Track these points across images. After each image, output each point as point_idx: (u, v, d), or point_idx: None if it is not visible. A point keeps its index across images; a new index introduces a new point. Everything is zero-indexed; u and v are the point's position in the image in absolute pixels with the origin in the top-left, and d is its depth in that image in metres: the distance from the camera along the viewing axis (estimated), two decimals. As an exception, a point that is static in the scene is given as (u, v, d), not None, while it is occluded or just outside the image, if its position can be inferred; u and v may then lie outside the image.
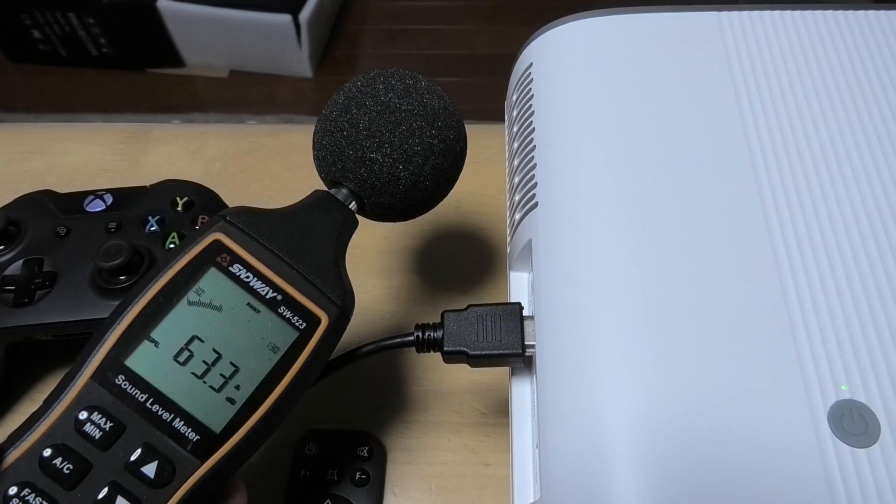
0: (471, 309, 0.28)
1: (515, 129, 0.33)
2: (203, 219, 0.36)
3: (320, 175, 0.29)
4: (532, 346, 0.27)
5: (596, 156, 0.29)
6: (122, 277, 0.34)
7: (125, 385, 0.23)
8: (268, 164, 0.45)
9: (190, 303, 0.24)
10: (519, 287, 0.31)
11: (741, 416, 0.23)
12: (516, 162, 0.32)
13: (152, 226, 0.36)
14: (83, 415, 0.23)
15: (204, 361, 0.24)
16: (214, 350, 0.24)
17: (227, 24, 1.44)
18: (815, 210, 0.26)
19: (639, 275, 0.25)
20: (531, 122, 0.32)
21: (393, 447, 0.35)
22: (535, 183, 0.30)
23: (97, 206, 0.37)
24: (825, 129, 0.29)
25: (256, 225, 0.25)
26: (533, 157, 0.30)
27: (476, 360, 0.27)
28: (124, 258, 0.33)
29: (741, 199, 0.27)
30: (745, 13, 0.32)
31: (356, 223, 0.28)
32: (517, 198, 0.31)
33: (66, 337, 0.35)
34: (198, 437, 0.23)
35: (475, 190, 0.43)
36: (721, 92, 0.30)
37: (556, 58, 0.32)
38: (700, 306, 0.25)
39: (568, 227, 0.28)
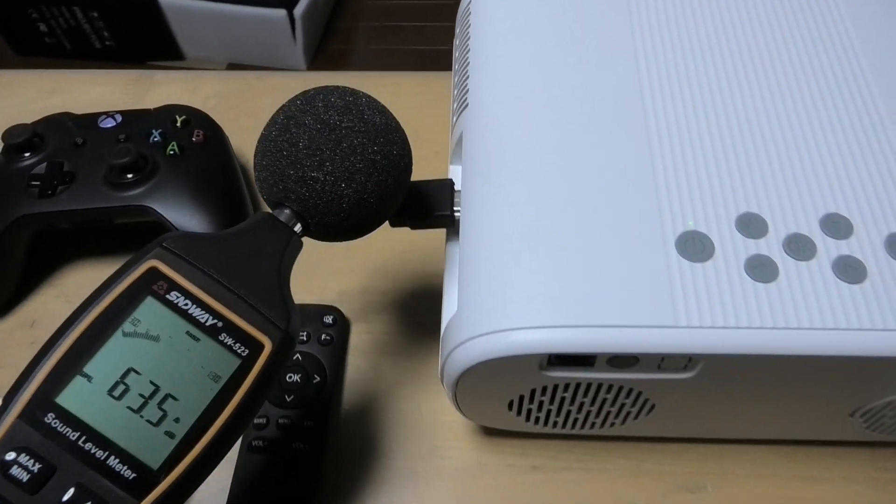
0: (412, 183, 0.35)
1: (457, 54, 0.40)
2: (198, 133, 0.43)
3: (262, 196, 0.28)
4: (458, 211, 0.34)
5: (515, 67, 0.36)
6: (129, 175, 0.40)
7: (55, 423, 0.22)
8: (255, 101, 0.52)
9: (125, 334, 0.23)
10: (455, 177, 0.38)
11: (613, 245, 0.29)
12: (456, 78, 0.39)
13: (155, 138, 0.43)
14: (10, 457, 0.21)
15: (140, 395, 0.23)
16: (152, 382, 0.23)
17: (225, 18, 1.51)
18: (682, 95, 0.33)
19: (538, 151, 0.32)
20: (468, 45, 0.39)
21: (356, 320, 0.42)
22: (468, 89, 0.37)
23: (109, 123, 0.44)
24: (695, 25, 0.36)
25: (195, 249, 0.25)
26: (468, 70, 0.37)
27: (416, 224, 0.34)
28: (132, 157, 0.40)
29: (625, 89, 0.34)
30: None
31: (300, 245, 0.27)
32: (455, 105, 0.38)
33: (82, 225, 0.41)
34: (134, 474, 0.22)
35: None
36: (619, 13, 0.37)
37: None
38: (585, 170, 0.31)
39: (489, 121, 0.34)
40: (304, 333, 0.39)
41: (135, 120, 0.44)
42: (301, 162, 0.26)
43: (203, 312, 0.24)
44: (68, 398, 0.22)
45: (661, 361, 0.29)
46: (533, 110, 0.34)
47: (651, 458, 0.37)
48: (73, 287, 0.43)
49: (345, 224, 0.27)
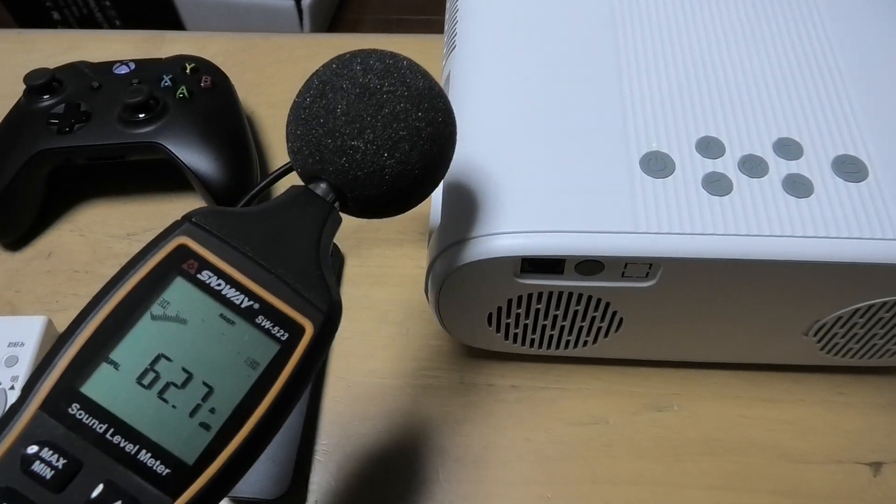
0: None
1: (448, 15, 0.43)
2: (206, 79, 0.46)
3: (296, 169, 0.26)
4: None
5: (498, 13, 0.38)
6: (141, 115, 0.43)
7: (80, 415, 0.20)
8: (260, 58, 0.55)
9: (154, 317, 0.21)
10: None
11: (583, 161, 0.32)
12: (447, 27, 0.42)
13: (166, 82, 0.45)
14: (31, 451, 0.20)
15: (172, 383, 0.21)
16: (184, 369, 0.21)
17: (234, 7, 1.54)
18: (651, 33, 0.36)
19: (517, 83, 0.35)
20: (457, 6, 0.42)
21: (350, 255, 0.45)
22: (456, 33, 0.40)
23: (123, 69, 0.47)
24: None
25: (227, 226, 0.23)
26: (457, 17, 0.40)
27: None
28: (144, 97, 0.43)
29: (600, 27, 0.37)
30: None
31: (339, 220, 0.25)
32: (445, 50, 0.41)
33: (97, 161, 0.44)
34: (168, 470, 0.20)
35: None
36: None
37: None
38: (560, 98, 0.34)
39: (473, 59, 0.37)
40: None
41: (147, 67, 0.47)
42: (339, 130, 0.24)
43: (238, 293, 0.22)
44: (94, 387, 0.20)
45: (625, 269, 0.32)
46: (513, 49, 0.37)
47: (622, 379, 0.40)
48: (87, 222, 0.46)
49: (385, 198, 0.25)
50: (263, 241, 0.23)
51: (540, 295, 0.34)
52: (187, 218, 0.23)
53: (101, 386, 0.21)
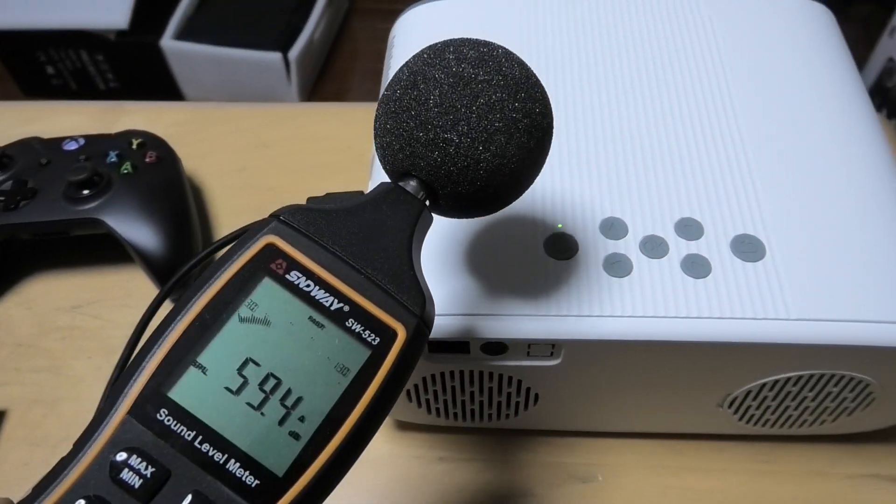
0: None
1: (382, 78, 0.45)
2: (151, 154, 0.48)
3: (385, 167, 0.25)
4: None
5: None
6: (85, 191, 0.45)
7: (169, 421, 0.19)
8: (213, 128, 0.56)
9: (241, 319, 0.21)
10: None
11: (490, 245, 0.33)
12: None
13: (112, 158, 0.47)
14: (120, 458, 0.19)
15: (261, 389, 0.20)
16: (273, 375, 0.20)
17: (223, 61, 1.58)
18: (566, 114, 0.37)
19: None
20: (388, 69, 0.43)
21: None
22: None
23: (72, 145, 0.48)
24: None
25: (315, 224, 0.22)
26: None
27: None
28: (88, 174, 0.44)
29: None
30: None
31: (431, 219, 0.24)
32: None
33: (43, 237, 0.46)
34: (257, 481, 0.19)
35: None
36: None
37: (410, 29, 0.44)
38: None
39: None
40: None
41: (96, 142, 0.48)
42: (432, 122, 0.23)
43: (327, 295, 0.21)
44: (182, 392, 0.20)
45: (529, 349, 0.32)
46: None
47: (548, 450, 0.40)
48: (33, 295, 0.47)
49: (480, 195, 0.24)
50: (353, 241, 0.22)
51: (452, 373, 0.34)
52: (275, 216, 0.22)
53: (190, 391, 0.20)
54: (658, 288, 0.32)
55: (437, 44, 0.25)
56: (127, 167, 0.46)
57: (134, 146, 0.48)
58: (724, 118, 0.37)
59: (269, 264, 0.21)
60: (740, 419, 0.37)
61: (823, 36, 0.42)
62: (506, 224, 0.34)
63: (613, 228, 0.33)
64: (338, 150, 0.54)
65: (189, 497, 0.19)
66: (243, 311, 0.21)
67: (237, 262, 0.21)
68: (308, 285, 0.21)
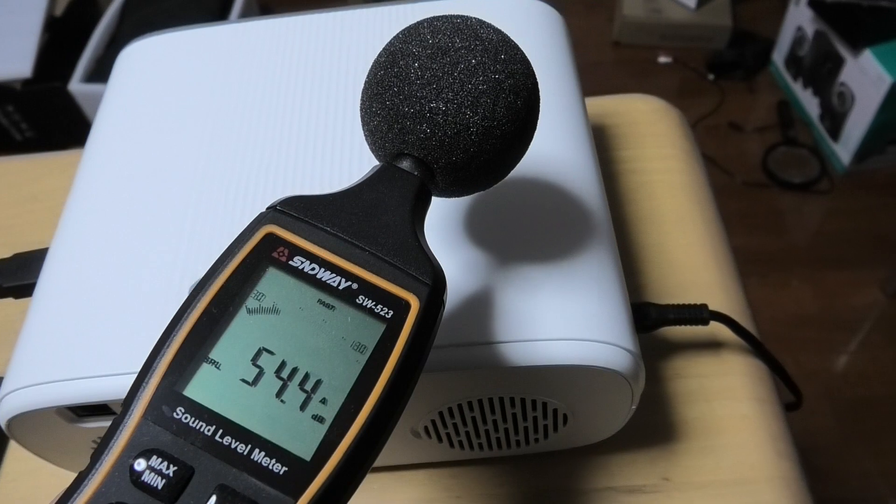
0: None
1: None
2: None
3: (376, 152, 0.25)
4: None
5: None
6: None
7: (186, 419, 0.19)
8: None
9: (249, 311, 0.20)
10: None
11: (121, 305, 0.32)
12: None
13: None
14: (140, 461, 0.19)
15: (278, 377, 0.20)
16: (288, 362, 0.20)
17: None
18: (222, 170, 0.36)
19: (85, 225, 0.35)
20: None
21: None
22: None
23: None
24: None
25: (312, 209, 0.22)
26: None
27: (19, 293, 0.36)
28: None
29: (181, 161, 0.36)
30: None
31: (430, 193, 0.24)
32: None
33: None
34: (285, 468, 0.19)
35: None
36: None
37: (123, 72, 0.43)
38: (129, 233, 0.34)
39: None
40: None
41: None
42: (416, 95, 0.23)
43: (334, 275, 0.21)
44: (197, 389, 0.19)
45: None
46: (101, 190, 0.36)
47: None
48: None
49: (475, 162, 0.24)
50: (353, 220, 0.22)
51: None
52: (271, 207, 0.22)
53: (205, 387, 0.20)
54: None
55: (410, 25, 0.25)
56: None
57: None
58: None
59: (270, 253, 0.21)
60: (451, 446, 0.35)
61: (542, 40, 0.40)
62: (149, 277, 0.32)
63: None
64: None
65: (215, 492, 0.18)
66: (251, 302, 0.20)
67: (238, 255, 0.21)
68: (313, 268, 0.21)
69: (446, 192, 0.25)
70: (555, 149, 0.35)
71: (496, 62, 0.23)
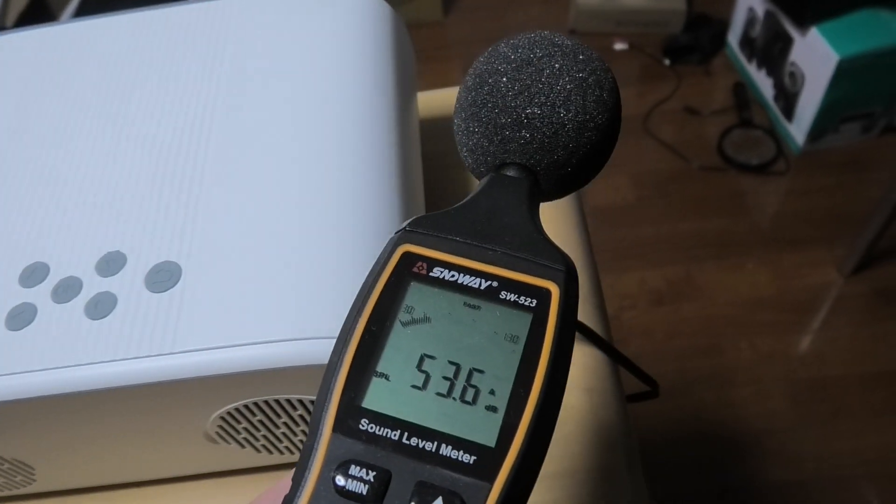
0: None
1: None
2: None
3: (479, 168, 0.26)
4: None
5: None
6: None
7: (372, 428, 0.21)
8: None
9: (404, 324, 0.22)
10: None
11: None
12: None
13: None
14: (340, 471, 0.20)
15: (444, 378, 0.21)
16: (450, 362, 0.21)
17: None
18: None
19: None
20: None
21: None
22: None
23: None
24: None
25: (438, 224, 0.24)
26: None
27: None
28: None
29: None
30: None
31: (541, 192, 0.26)
32: None
33: None
34: (473, 457, 0.20)
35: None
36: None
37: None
38: None
39: None
40: None
41: None
42: (510, 105, 0.25)
43: (473, 278, 0.22)
44: (374, 400, 0.21)
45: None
46: None
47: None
48: None
49: (575, 157, 0.25)
50: (477, 227, 0.23)
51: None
52: (399, 230, 0.24)
53: (381, 397, 0.21)
54: (58, 336, 0.29)
55: (488, 49, 0.26)
56: None
57: None
58: (194, 144, 0.35)
59: (411, 269, 0.23)
60: (256, 450, 0.35)
61: (360, 35, 0.39)
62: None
63: (33, 275, 0.31)
64: None
65: (415, 488, 0.20)
66: (403, 316, 0.22)
67: (382, 277, 0.22)
68: (453, 275, 0.22)
69: (549, 195, 0.26)
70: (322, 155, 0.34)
71: (577, 62, 0.25)
